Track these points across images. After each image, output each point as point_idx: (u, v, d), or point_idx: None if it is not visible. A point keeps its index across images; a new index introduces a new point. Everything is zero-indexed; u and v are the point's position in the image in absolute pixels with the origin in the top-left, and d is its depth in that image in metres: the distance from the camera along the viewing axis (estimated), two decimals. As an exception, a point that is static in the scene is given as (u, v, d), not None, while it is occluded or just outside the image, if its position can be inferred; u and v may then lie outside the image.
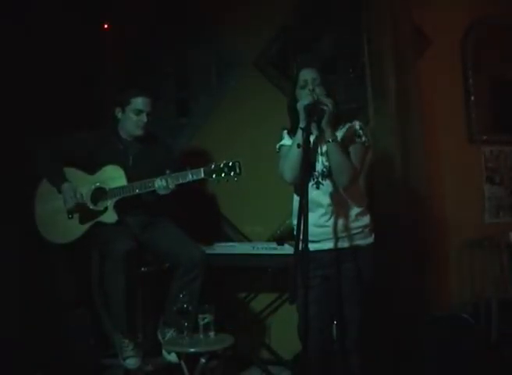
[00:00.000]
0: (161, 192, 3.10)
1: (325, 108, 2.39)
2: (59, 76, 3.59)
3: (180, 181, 3.09)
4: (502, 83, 3.78)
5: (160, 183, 3.07)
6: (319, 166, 2.55)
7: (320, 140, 2.54)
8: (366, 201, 2.66)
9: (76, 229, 3.26)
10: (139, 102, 3.27)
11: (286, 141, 2.65)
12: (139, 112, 3.27)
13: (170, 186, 3.07)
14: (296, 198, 2.62)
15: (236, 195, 3.76)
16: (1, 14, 3.34)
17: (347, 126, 2.57)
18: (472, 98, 3.73)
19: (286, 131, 2.66)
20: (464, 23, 3.71)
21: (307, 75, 2.57)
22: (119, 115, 3.32)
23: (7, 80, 3.35)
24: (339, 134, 2.54)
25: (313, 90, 2.51)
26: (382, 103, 3.47)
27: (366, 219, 2.61)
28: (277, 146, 2.69)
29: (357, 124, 2.56)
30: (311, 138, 2.43)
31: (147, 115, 3.28)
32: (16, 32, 3.43)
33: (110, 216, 3.22)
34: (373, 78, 3.51)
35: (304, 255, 2.17)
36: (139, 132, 3.31)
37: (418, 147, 3.49)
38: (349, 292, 2.54)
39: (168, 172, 3.10)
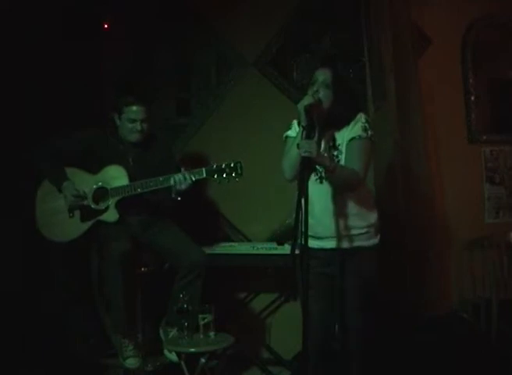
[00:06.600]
0: (179, 187, 3.09)
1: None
2: (59, 77, 3.59)
3: (183, 179, 3.09)
4: (502, 83, 3.78)
5: (177, 178, 3.08)
6: None
7: (320, 138, 2.51)
8: (373, 198, 2.61)
9: (77, 227, 3.26)
10: (133, 111, 3.27)
11: (293, 132, 2.60)
12: (133, 120, 3.28)
13: (188, 180, 3.08)
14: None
15: (236, 195, 3.76)
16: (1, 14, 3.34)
17: (352, 123, 2.51)
18: (472, 98, 3.73)
19: (296, 121, 2.59)
20: (464, 23, 3.71)
21: (320, 75, 2.51)
22: (117, 121, 3.34)
23: (7, 80, 3.35)
24: (346, 135, 2.50)
25: (316, 91, 2.47)
26: (382, 103, 3.48)
27: (372, 218, 2.54)
28: (284, 135, 2.65)
29: (362, 117, 2.51)
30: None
31: (142, 122, 3.28)
32: (15, 32, 3.42)
33: (111, 215, 3.22)
34: (373, 78, 3.52)
35: (303, 251, 2.16)
36: (134, 139, 3.31)
37: (418, 147, 3.49)
38: (351, 291, 2.52)
39: (182, 169, 3.11)
